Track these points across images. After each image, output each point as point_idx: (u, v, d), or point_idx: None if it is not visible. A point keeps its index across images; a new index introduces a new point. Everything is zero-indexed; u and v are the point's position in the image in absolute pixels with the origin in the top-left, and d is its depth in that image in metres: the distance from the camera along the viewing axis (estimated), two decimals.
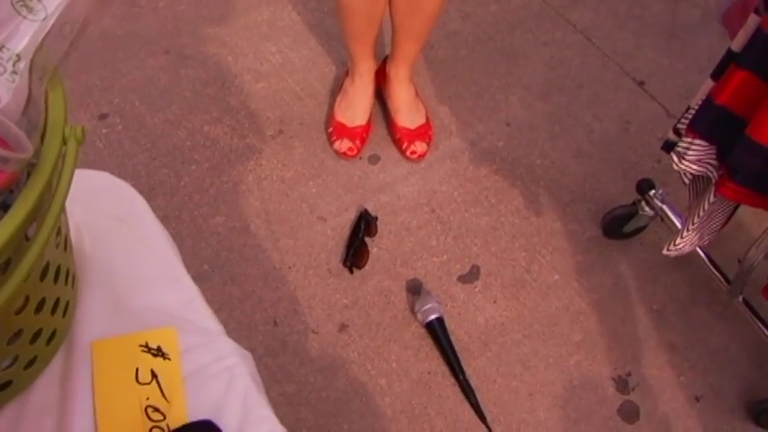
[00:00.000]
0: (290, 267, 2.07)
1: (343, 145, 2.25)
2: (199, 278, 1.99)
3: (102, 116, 2.32)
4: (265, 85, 2.44)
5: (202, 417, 0.93)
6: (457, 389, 1.91)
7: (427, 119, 2.32)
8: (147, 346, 0.99)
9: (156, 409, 0.94)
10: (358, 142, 2.26)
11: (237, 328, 1.96)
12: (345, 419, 1.85)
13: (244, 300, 2.01)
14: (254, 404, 0.95)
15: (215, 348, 1.00)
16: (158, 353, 0.98)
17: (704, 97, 1.50)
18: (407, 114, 2.29)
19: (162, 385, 0.96)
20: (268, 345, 1.94)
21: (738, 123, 1.41)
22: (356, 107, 2.28)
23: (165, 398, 0.95)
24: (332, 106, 2.35)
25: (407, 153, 2.26)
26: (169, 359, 0.98)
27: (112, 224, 1.11)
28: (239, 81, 2.45)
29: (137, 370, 0.97)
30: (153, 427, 0.93)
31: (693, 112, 1.53)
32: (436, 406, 1.88)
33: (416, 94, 2.33)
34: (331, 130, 2.29)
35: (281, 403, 1.86)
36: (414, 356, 1.95)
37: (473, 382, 1.91)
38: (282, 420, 1.87)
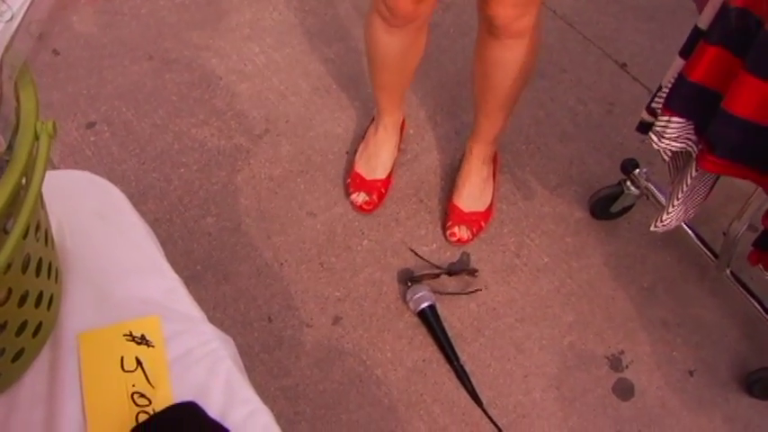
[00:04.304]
0: (281, 264, 2.09)
1: (360, 198, 2.16)
2: (192, 279, 2.04)
3: (90, 124, 2.34)
4: (250, 85, 2.46)
5: (187, 400, 0.95)
6: (452, 375, 1.92)
7: (488, 208, 2.16)
8: (131, 334, 1.01)
9: (143, 395, 0.97)
10: (375, 197, 2.16)
11: (233, 325, 1.98)
12: (343, 410, 1.87)
13: (237, 298, 2.02)
14: (236, 386, 0.97)
15: (197, 334, 1.02)
16: (142, 341, 1.00)
17: (676, 75, 1.51)
18: (467, 195, 2.14)
19: (147, 372, 0.98)
20: (263, 341, 1.96)
21: (713, 98, 1.42)
22: (377, 159, 2.19)
23: (151, 383, 0.97)
24: (353, 154, 2.28)
25: (447, 233, 2.13)
26: (153, 346, 1.00)
27: (93, 220, 1.13)
28: (224, 82, 2.47)
29: (122, 358, 1.00)
30: (140, 413, 0.95)
31: (666, 91, 1.55)
32: (432, 393, 1.90)
33: (490, 178, 2.18)
34: (349, 180, 2.21)
35: (279, 398, 1.88)
36: (408, 345, 1.96)
37: (468, 368, 1.92)
38: (281, 414, 1.90)
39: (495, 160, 2.20)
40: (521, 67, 1.84)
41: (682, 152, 1.62)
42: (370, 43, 1.94)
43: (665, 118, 1.53)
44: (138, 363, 0.99)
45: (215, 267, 2.07)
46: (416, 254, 2.11)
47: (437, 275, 2.04)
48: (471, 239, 2.13)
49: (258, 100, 2.42)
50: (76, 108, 2.38)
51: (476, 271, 2.07)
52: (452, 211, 2.14)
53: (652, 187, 2.00)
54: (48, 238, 0.97)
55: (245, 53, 2.55)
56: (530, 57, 1.82)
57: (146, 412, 0.95)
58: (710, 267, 1.97)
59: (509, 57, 1.82)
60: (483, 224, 2.14)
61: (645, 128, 1.65)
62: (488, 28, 1.76)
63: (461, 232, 2.12)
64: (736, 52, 1.38)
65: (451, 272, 2.06)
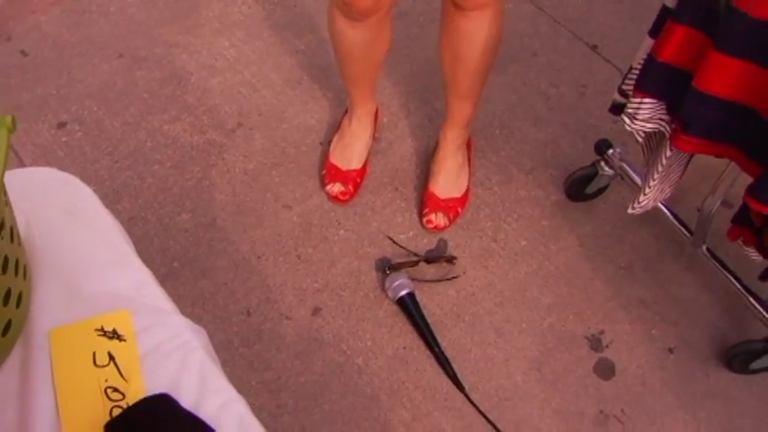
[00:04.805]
0: (259, 257, 2.08)
1: (335, 188, 2.16)
2: (169, 275, 2.03)
3: (61, 125, 2.33)
4: (221, 79, 2.45)
5: (160, 392, 0.94)
6: (433, 361, 1.92)
7: (465, 193, 2.16)
8: (102, 329, 1.00)
9: (116, 389, 0.96)
10: (351, 187, 2.16)
11: (212, 320, 1.97)
12: (326, 401, 1.87)
13: (216, 293, 2.02)
14: (210, 376, 0.97)
15: (168, 326, 1.01)
16: (114, 335, 1.00)
17: (646, 56, 1.51)
18: (442, 181, 2.13)
19: (119, 366, 0.98)
20: (243, 335, 1.96)
21: (684, 77, 1.42)
22: (352, 150, 2.18)
23: (124, 378, 0.97)
24: (327, 145, 2.27)
25: (424, 220, 2.11)
26: (125, 340, 0.99)
27: (61, 216, 1.12)
28: (195, 78, 2.45)
29: (94, 354, 0.99)
30: (113, 407, 0.95)
31: (637, 71, 1.55)
32: (414, 380, 1.90)
33: (465, 164, 2.18)
34: (324, 172, 2.20)
35: (261, 391, 1.88)
36: (388, 333, 1.96)
37: (449, 354, 1.93)
38: (263, 407, 1.90)
39: (469, 146, 2.20)
40: (487, 37, 1.83)
41: (655, 132, 1.63)
42: (334, 38, 1.94)
43: (637, 99, 1.53)
44: (111, 357, 0.99)
45: (192, 263, 2.06)
46: (394, 242, 2.10)
47: (415, 263, 2.04)
48: (448, 226, 2.13)
49: (230, 94, 2.41)
50: (47, 108, 2.36)
51: (454, 258, 2.07)
52: (429, 198, 2.13)
53: (626, 167, 2.00)
54: (14, 235, 0.96)
55: (215, 48, 2.54)
56: (495, 26, 1.81)
57: (119, 406, 0.95)
58: (687, 245, 1.98)
59: (474, 28, 1.80)
60: (459, 210, 2.14)
61: (617, 109, 1.66)
62: (453, 1, 1.75)
63: (438, 219, 2.11)
64: (704, 31, 1.38)
65: (429, 259, 2.06)
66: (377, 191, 2.20)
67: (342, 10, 1.81)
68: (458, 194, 2.14)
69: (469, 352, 1.94)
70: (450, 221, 2.13)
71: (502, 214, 2.17)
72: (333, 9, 1.85)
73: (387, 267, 2.03)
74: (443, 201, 2.12)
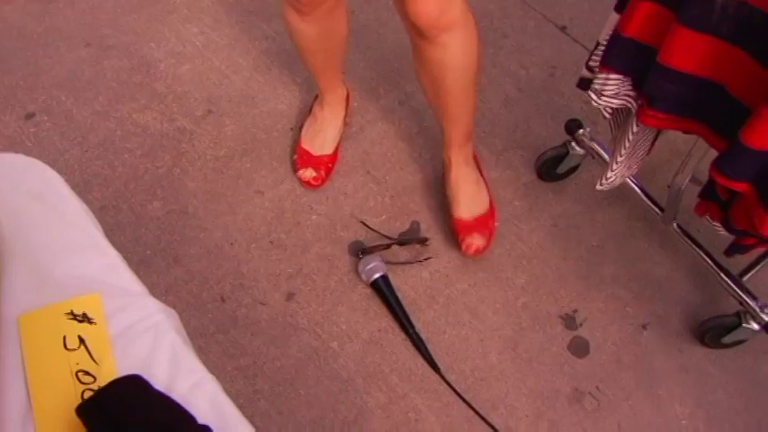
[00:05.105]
0: (231, 243, 2.07)
1: (307, 174, 2.15)
2: (142, 264, 2.02)
3: (29, 115, 2.30)
4: (190, 67, 2.44)
5: (131, 373, 0.94)
6: (409, 344, 1.93)
7: (490, 208, 2.09)
8: (72, 313, 1.00)
9: (87, 373, 0.95)
10: (323, 172, 2.15)
11: (186, 308, 1.97)
12: (301, 385, 1.87)
13: (189, 280, 2.01)
14: (182, 357, 0.97)
15: (139, 308, 1.01)
16: (84, 319, 0.99)
17: (611, 32, 1.51)
18: (465, 204, 2.05)
19: (90, 349, 0.97)
20: (218, 321, 1.95)
21: (649, 52, 1.42)
22: (324, 136, 2.18)
23: (95, 361, 0.96)
24: (298, 130, 2.26)
25: (463, 247, 2.03)
26: (95, 323, 0.99)
27: (29, 202, 1.11)
28: (164, 66, 2.44)
29: (64, 338, 0.98)
30: (84, 390, 0.94)
31: (603, 47, 1.55)
32: (390, 362, 1.90)
33: (480, 179, 2.10)
34: (296, 157, 2.19)
35: (237, 377, 1.87)
36: (363, 317, 1.96)
37: (424, 335, 1.93)
38: (239, 393, 1.90)
39: (476, 159, 2.12)
40: (462, 59, 1.74)
41: (622, 109, 1.63)
42: (289, 32, 1.93)
43: (603, 75, 1.54)
44: (81, 341, 0.98)
45: (164, 251, 2.05)
46: (366, 225, 2.10)
47: (388, 246, 2.04)
48: (488, 245, 2.06)
49: (199, 81, 2.40)
50: (14, 100, 2.34)
51: (426, 239, 2.07)
52: (458, 224, 2.06)
53: (597, 146, 2.01)
54: None
55: (183, 35, 2.52)
56: (468, 46, 1.72)
57: (91, 389, 0.94)
58: (658, 222, 1.99)
59: (446, 56, 1.70)
60: (491, 223, 2.08)
61: (585, 85, 1.66)
62: (417, 31, 1.64)
63: (477, 241, 2.04)
64: (668, 6, 1.38)
65: (402, 242, 2.06)
66: (348, 175, 2.19)
67: (291, 4, 1.81)
68: (484, 210, 2.08)
69: (444, 333, 1.95)
70: (488, 240, 2.06)
71: None
72: (284, 3, 1.84)
73: (360, 251, 2.03)
74: (473, 222, 2.05)
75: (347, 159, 2.22)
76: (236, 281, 2.01)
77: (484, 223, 2.06)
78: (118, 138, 2.26)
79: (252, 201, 2.14)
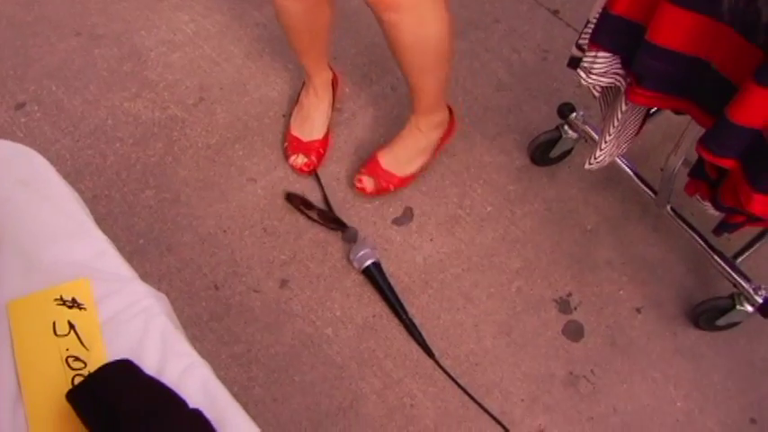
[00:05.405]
0: (225, 231, 2.07)
1: (299, 160, 2.15)
2: (135, 253, 2.01)
3: (19, 105, 2.29)
4: (181, 54, 2.42)
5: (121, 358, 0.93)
6: (403, 329, 1.93)
7: (405, 177, 2.12)
8: (61, 299, 0.99)
9: (77, 358, 0.95)
10: (314, 157, 2.15)
11: (180, 297, 1.96)
12: (296, 372, 1.86)
13: (182, 268, 2.00)
14: (172, 341, 0.96)
15: (129, 293, 1.00)
16: (73, 304, 0.99)
17: (600, 10, 1.51)
18: (392, 154, 2.10)
19: (80, 335, 0.97)
20: (212, 309, 1.95)
21: (637, 30, 1.42)
22: (313, 121, 2.17)
23: (85, 346, 0.96)
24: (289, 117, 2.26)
25: (355, 180, 2.10)
26: (85, 309, 0.98)
27: (17, 188, 1.10)
28: (155, 54, 2.43)
29: (54, 323, 0.98)
30: (75, 376, 0.94)
31: (593, 26, 1.54)
32: (384, 348, 1.90)
33: (423, 153, 2.12)
34: (287, 144, 2.19)
35: (231, 365, 1.87)
36: (357, 303, 1.96)
37: (418, 321, 1.93)
38: (234, 380, 1.89)
39: (441, 143, 2.14)
40: (418, 42, 1.73)
41: (611, 87, 1.63)
42: (276, 12, 1.92)
43: (592, 53, 1.53)
44: (71, 326, 0.97)
45: (157, 240, 2.05)
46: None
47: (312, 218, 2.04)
48: (373, 195, 2.12)
49: (190, 69, 2.39)
50: (4, 90, 2.33)
51: (346, 227, 2.07)
52: (371, 160, 2.11)
53: (589, 130, 2.01)
54: None
55: (174, 23, 2.51)
56: (422, 28, 1.70)
57: (81, 375, 0.94)
58: (651, 205, 1.99)
59: (402, 36, 1.71)
60: (392, 188, 2.11)
61: (575, 63, 1.65)
62: (371, 9, 1.66)
63: (368, 183, 2.10)
64: None
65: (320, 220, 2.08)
66: (341, 161, 2.19)
67: None
68: (399, 174, 2.11)
69: (438, 318, 1.94)
70: (377, 193, 2.11)
71: (467, 181, 2.16)
72: None
73: (353, 238, 2.02)
74: (383, 170, 2.10)
75: (339, 145, 2.21)
76: (229, 268, 2.00)
77: (388, 180, 2.10)
78: (109, 127, 2.25)
79: (245, 188, 2.14)
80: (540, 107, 2.31)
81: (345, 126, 2.25)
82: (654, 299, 2.00)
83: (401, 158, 2.11)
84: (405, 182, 2.13)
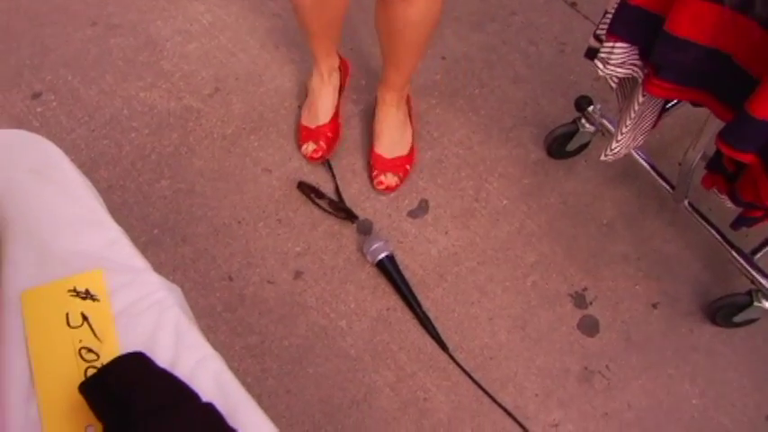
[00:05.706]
0: (239, 222, 2.06)
1: (309, 148, 2.14)
2: (150, 243, 2.01)
3: (36, 95, 2.29)
4: (197, 45, 2.42)
5: (134, 350, 0.93)
6: (417, 322, 1.92)
7: (411, 151, 2.16)
8: (75, 290, 0.99)
9: (90, 350, 0.95)
10: (323, 143, 2.13)
11: (194, 287, 1.96)
12: (310, 364, 1.86)
13: (197, 259, 2.00)
14: (185, 333, 0.95)
15: (142, 284, 1.00)
16: (87, 295, 0.98)
17: (619, 0, 1.50)
18: (387, 141, 2.13)
19: (93, 326, 0.96)
20: (226, 300, 1.94)
21: (656, 21, 1.41)
22: (318, 108, 2.16)
23: (98, 338, 0.95)
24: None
25: (374, 182, 2.11)
26: (98, 300, 0.98)
27: (31, 177, 1.10)
28: (171, 44, 2.42)
29: (67, 315, 0.97)
30: (88, 368, 0.93)
31: (611, 16, 1.53)
32: (398, 341, 1.89)
33: (407, 121, 2.17)
34: (299, 136, 2.20)
35: (245, 356, 1.87)
36: (371, 295, 1.95)
37: (432, 314, 1.92)
38: (247, 372, 1.89)
39: (409, 102, 2.19)
40: (430, 16, 1.82)
41: (628, 79, 1.61)
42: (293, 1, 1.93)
43: (610, 44, 1.52)
44: (84, 318, 0.97)
45: (172, 230, 2.04)
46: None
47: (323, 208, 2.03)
48: (399, 185, 2.12)
49: (206, 59, 2.38)
50: (20, 79, 2.33)
51: (356, 217, 2.07)
52: (376, 159, 2.12)
53: (607, 123, 1.99)
54: None
55: (190, 13, 2.50)
56: (431, 11, 1.80)
57: (94, 367, 0.93)
58: (669, 200, 1.97)
59: (416, 12, 1.79)
60: (408, 167, 2.14)
61: (592, 54, 1.64)
62: None
63: (388, 179, 2.11)
64: None
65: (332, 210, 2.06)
66: (356, 152, 2.18)
67: None
68: (404, 153, 2.14)
69: (453, 312, 1.94)
70: (401, 181, 2.13)
71: (483, 173, 2.15)
72: None
73: (368, 230, 2.01)
74: (391, 161, 2.12)
75: (355, 137, 2.21)
76: (243, 259, 2.00)
77: (401, 164, 2.12)
78: (125, 117, 2.25)
79: (259, 179, 2.13)
80: (557, 100, 2.29)
81: (361, 118, 2.25)
82: (670, 294, 1.98)
83: (395, 139, 2.13)
84: (413, 155, 2.16)
